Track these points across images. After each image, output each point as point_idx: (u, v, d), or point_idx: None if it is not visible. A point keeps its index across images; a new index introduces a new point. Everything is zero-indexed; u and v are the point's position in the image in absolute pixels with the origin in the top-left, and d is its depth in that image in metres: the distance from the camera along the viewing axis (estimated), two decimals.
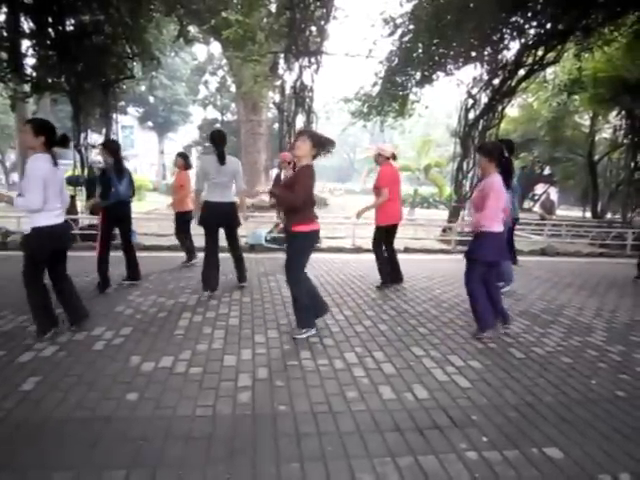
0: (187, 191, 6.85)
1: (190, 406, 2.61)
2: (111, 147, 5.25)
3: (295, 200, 3.58)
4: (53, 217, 3.55)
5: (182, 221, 6.91)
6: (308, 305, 3.88)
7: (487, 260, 3.94)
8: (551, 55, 10.70)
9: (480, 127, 11.44)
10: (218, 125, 33.19)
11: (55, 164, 3.57)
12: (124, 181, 5.18)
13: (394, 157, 5.73)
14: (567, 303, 5.41)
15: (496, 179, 3.83)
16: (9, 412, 2.50)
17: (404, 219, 6.49)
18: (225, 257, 5.38)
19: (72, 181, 6.59)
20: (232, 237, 5.47)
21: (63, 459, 2.11)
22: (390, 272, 5.91)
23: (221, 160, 5.02)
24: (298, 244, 3.76)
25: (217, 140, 5.08)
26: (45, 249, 3.56)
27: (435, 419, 2.56)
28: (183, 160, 7.05)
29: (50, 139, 3.53)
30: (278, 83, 11.90)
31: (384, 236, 5.80)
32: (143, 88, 29.79)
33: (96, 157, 10.59)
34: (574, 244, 11.76)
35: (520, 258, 9.21)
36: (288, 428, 2.41)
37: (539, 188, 26.78)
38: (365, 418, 2.54)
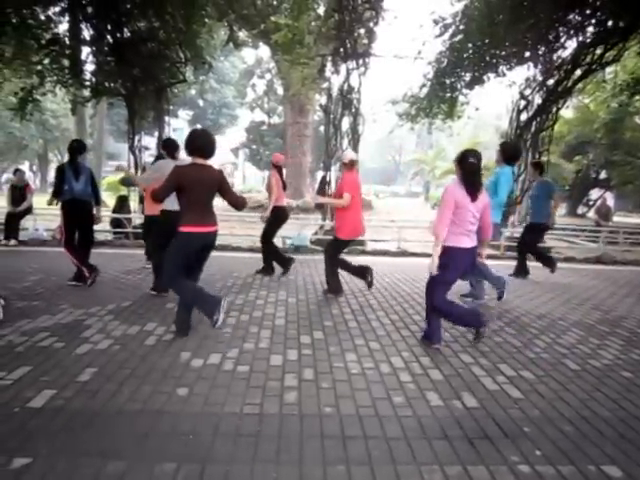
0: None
1: (238, 403, 2.64)
2: None
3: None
4: None
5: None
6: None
7: None
8: (611, 54, 10.16)
9: (533, 129, 11.03)
10: (264, 127, 33.68)
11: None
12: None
13: (352, 164, 5.24)
14: (626, 314, 5.13)
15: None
16: (68, 401, 2.62)
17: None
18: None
19: (125, 182, 6.84)
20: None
21: (117, 449, 2.17)
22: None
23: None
24: None
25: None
26: None
27: (485, 429, 2.48)
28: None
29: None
30: (325, 86, 11.95)
31: (342, 250, 5.44)
32: (193, 92, 30.69)
33: (149, 158, 11.00)
34: (632, 252, 11.15)
35: (574, 266, 8.82)
36: (334, 430, 2.41)
37: (594, 193, 25.63)
38: (412, 424, 2.50)
